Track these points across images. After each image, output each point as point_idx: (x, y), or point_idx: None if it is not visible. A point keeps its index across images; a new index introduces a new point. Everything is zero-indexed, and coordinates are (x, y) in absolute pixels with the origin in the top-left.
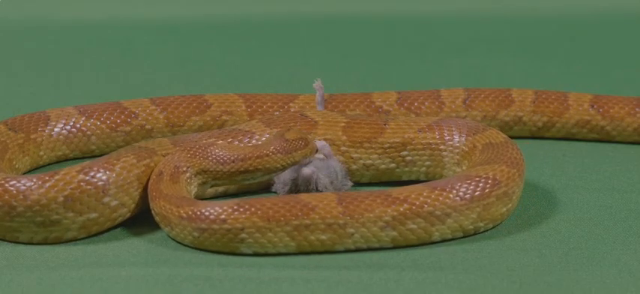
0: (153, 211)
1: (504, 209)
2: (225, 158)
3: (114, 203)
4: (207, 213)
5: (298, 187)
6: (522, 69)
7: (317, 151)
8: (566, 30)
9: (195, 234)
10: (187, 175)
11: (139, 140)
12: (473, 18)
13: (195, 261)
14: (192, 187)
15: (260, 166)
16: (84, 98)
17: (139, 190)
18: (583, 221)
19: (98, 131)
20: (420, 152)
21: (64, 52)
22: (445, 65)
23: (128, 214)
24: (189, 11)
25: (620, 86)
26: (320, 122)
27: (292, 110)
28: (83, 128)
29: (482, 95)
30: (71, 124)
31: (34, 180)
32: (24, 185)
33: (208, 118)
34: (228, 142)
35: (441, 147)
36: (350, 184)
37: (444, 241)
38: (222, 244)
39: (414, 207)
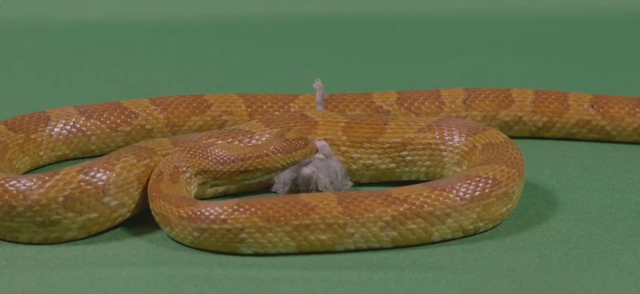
0: (153, 211)
1: (504, 209)
2: (225, 158)
3: (114, 203)
4: (207, 213)
5: (298, 187)
6: (522, 69)
7: (317, 151)
8: (566, 30)
9: (195, 234)
10: (187, 175)
11: (139, 140)
12: (473, 18)
13: (195, 261)
14: (192, 187)
15: (260, 166)
16: (84, 98)
17: (139, 190)
18: (583, 221)
19: (98, 131)
20: (420, 152)
21: (64, 52)
22: (445, 65)
23: (128, 214)
24: (189, 11)
25: (620, 86)
26: (320, 122)
27: (292, 110)
28: (83, 128)
29: (482, 95)
30: (71, 124)
31: (34, 180)
32: (24, 185)
33: (208, 118)
34: (228, 142)
35: (441, 147)
36: (350, 184)
37: (444, 241)
38: (222, 244)
39: (414, 207)
